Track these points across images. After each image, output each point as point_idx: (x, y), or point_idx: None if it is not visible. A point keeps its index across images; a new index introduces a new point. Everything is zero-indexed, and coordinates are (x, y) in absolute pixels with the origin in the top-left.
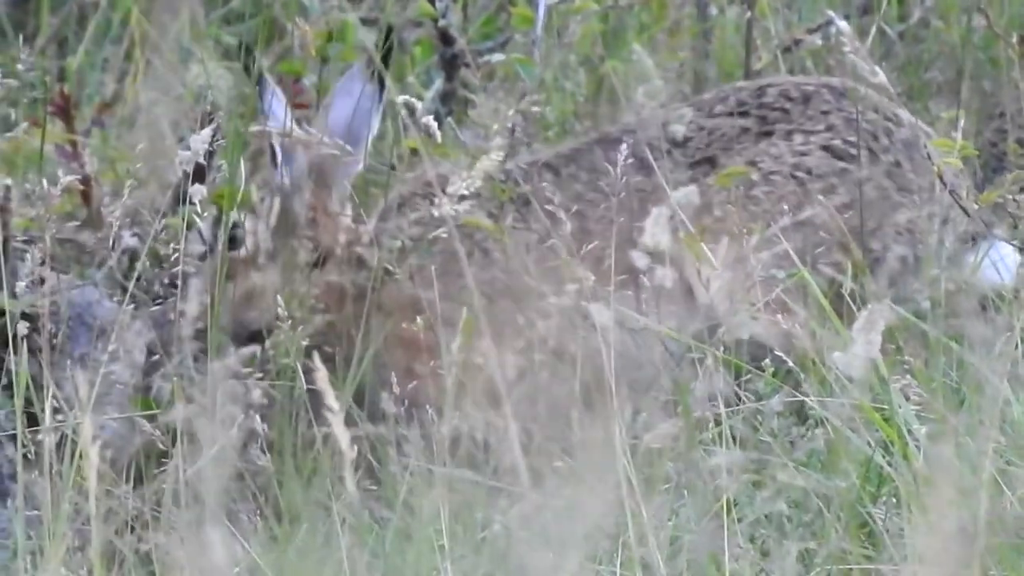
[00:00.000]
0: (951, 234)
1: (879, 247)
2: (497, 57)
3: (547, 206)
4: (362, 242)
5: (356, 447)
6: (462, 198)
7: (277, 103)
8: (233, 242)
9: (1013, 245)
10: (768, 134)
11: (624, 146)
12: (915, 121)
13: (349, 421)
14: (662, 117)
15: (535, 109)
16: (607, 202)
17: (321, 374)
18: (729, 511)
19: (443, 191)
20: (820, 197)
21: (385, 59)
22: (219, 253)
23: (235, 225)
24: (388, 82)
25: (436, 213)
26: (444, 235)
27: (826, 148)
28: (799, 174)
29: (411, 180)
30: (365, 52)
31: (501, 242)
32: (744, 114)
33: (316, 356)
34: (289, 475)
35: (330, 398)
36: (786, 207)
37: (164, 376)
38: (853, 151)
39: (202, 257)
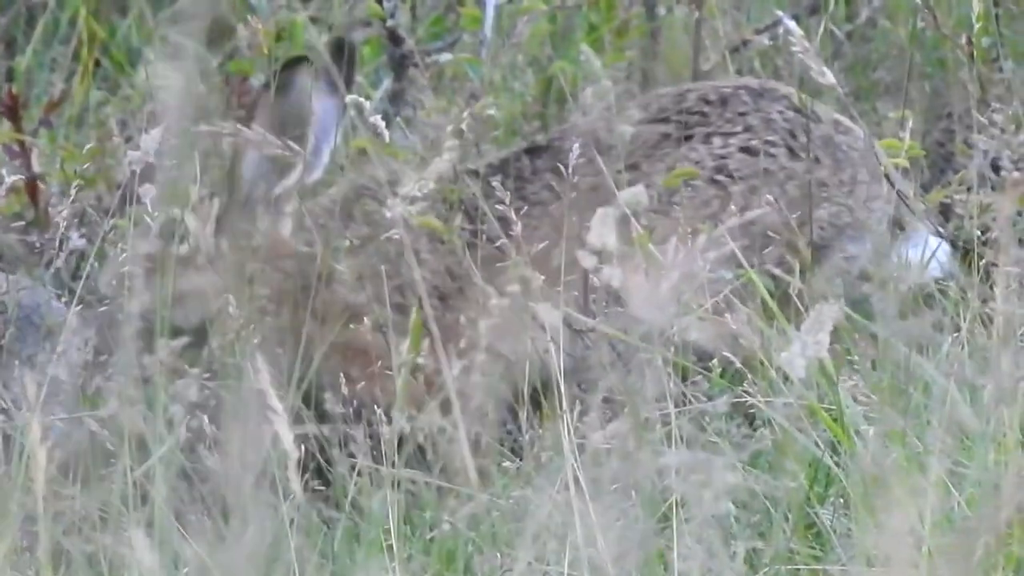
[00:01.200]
0: (888, 230)
1: (817, 241)
2: (445, 57)
3: (498, 206)
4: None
5: (303, 447)
6: (414, 200)
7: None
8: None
9: (944, 237)
10: (688, 138)
11: (576, 146)
12: (833, 117)
13: (298, 421)
14: (604, 119)
15: (490, 112)
16: (534, 211)
17: (264, 375)
18: (677, 511)
19: (393, 192)
20: (769, 196)
21: (341, 63)
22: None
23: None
24: (342, 87)
25: (388, 214)
26: (396, 236)
27: (745, 149)
28: (720, 177)
29: (355, 181)
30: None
31: (450, 243)
32: (665, 120)
33: (259, 357)
34: (236, 475)
35: (273, 399)
36: (707, 212)
37: (107, 376)
38: (772, 151)
39: (150, 257)
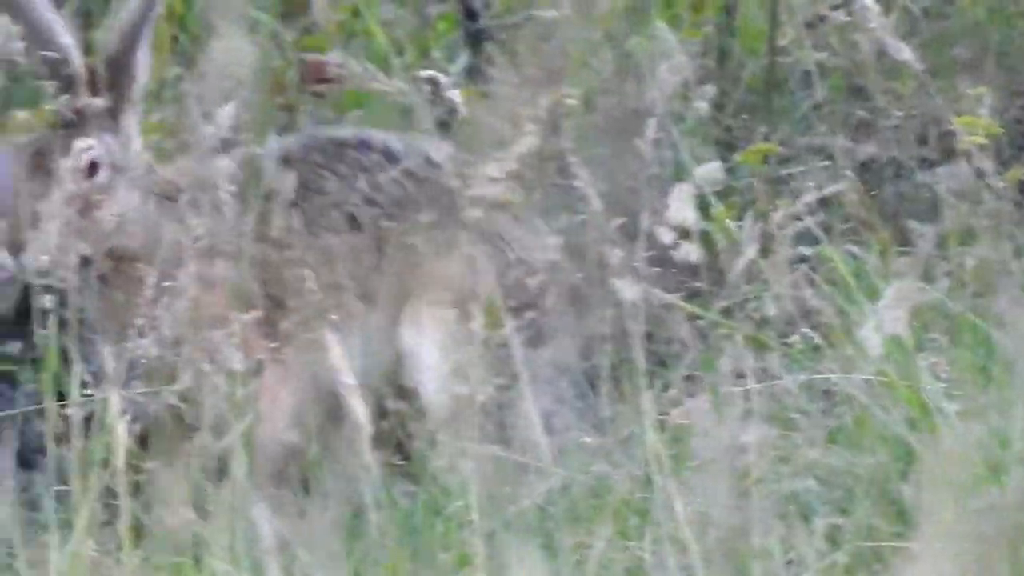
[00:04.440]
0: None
1: None
2: (538, 13)
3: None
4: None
5: (384, 422)
6: (495, 179)
7: None
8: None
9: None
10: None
11: (651, 120)
12: None
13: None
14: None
15: (571, 101)
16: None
17: (336, 350)
18: (757, 487)
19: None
20: (848, 172)
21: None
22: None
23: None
24: None
25: (470, 194)
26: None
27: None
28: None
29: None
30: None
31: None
32: None
33: (328, 333)
34: (317, 450)
35: (346, 374)
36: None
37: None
38: None
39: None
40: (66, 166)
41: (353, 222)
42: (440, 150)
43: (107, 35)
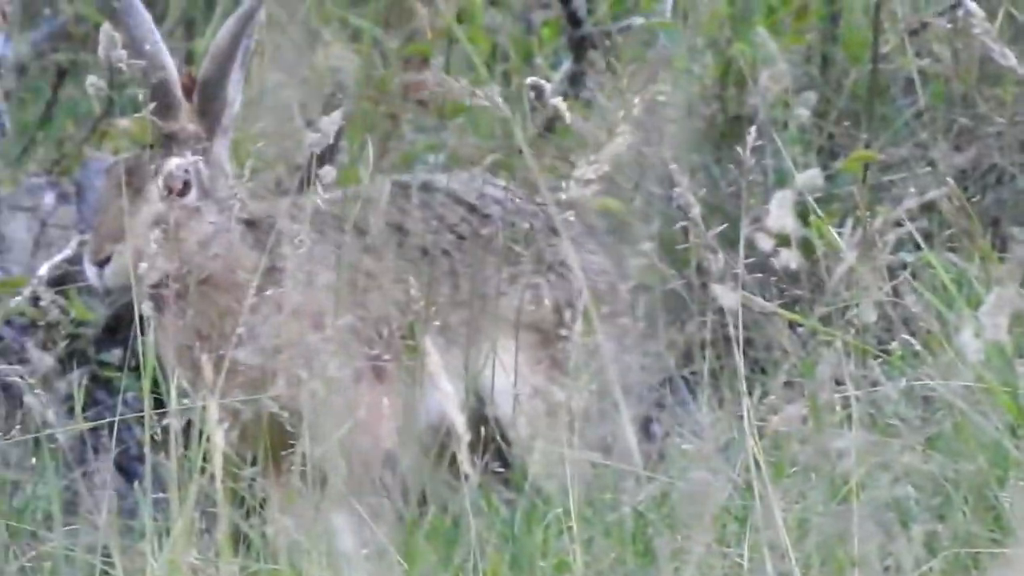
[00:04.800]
0: None
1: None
2: (637, 20)
3: None
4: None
5: (483, 428)
6: (588, 182)
7: None
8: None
9: None
10: None
11: (754, 128)
12: None
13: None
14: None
15: (661, 98)
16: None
17: (434, 358)
18: (855, 494)
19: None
20: (949, 179)
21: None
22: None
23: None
24: None
25: (564, 196)
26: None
27: None
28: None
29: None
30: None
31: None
32: None
33: (428, 340)
34: (415, 457)
35: (444, 381)
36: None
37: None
38: None
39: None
40: (156, 185)
41: (426, 255)
42: (496, 186)
43: (202, 57)
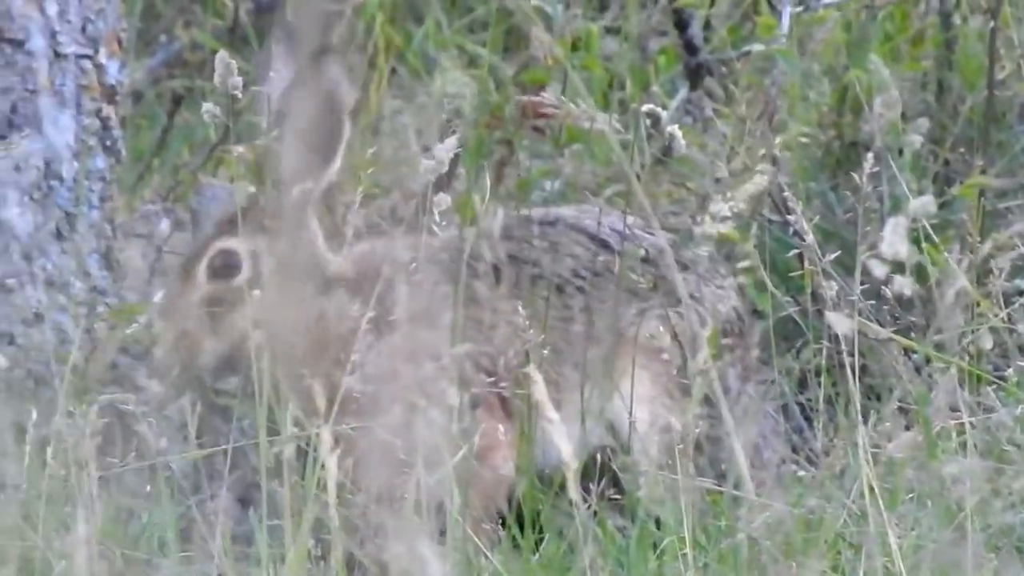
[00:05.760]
0: None
1: None
2: (755, 47)
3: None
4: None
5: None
6: (724, 219)
7: None
8: (228, 269)
9: None
10: None
11: (870, 154)
12: None
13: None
14: None
15: (803, 140)
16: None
17: (539, 385)
18: (971, 520)
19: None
20: None
21: None
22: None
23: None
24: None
25: (698, 232)
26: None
27: None
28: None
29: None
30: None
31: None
32: None
33: (532, 367)
34: (530, 483)
35: (549, 410)
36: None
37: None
38: None
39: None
40: (200, 267)
41: (560, 292)
42: (617, 219)
43: None
